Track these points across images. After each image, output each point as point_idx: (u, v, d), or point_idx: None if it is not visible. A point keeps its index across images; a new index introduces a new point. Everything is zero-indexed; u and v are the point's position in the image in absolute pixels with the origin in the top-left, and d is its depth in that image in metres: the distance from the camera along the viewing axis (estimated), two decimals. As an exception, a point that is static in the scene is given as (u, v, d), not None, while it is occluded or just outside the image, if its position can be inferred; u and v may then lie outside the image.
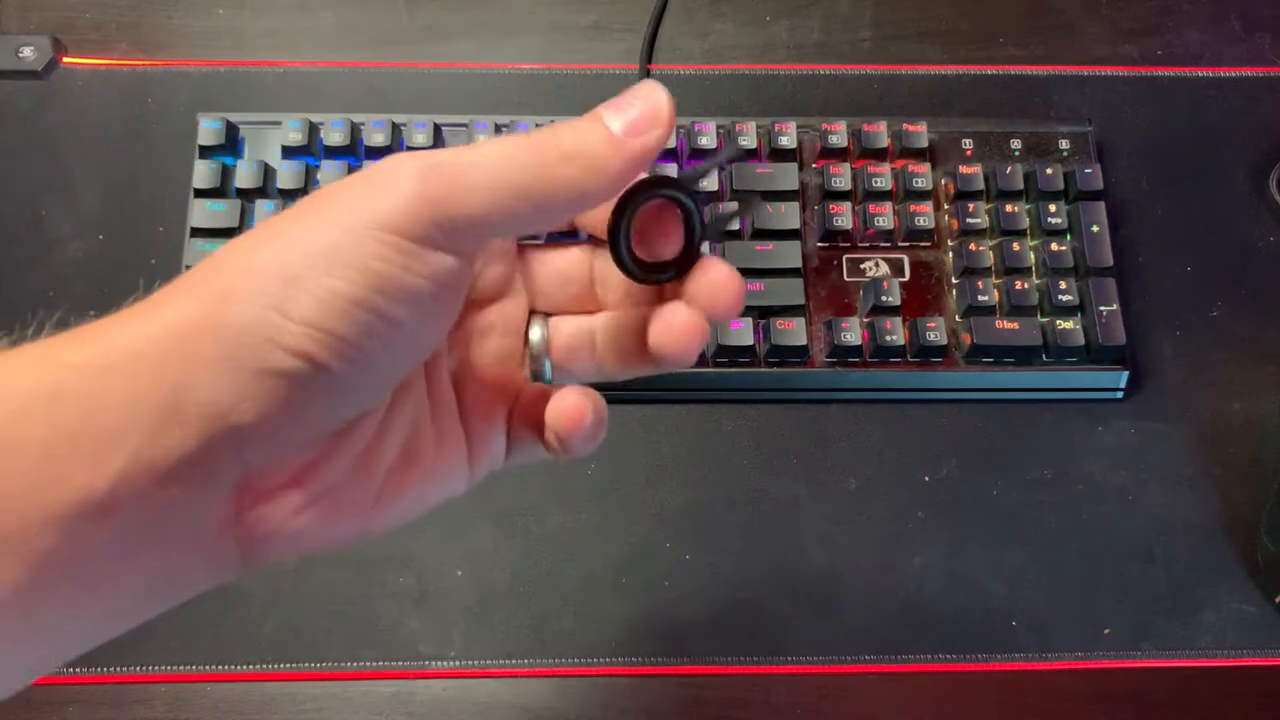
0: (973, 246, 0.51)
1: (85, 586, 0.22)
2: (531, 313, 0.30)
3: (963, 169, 0.53)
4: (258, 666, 0.46)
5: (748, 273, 0.51)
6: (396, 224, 0.23)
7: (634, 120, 0.25)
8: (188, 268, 0.50)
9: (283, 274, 0.23)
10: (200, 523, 0.24)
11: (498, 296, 0.29)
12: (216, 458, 0.23)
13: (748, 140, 0.53)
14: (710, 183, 0.52)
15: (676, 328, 0.27)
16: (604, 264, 0.29)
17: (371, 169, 0.24)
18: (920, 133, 0.54)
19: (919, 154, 0.54)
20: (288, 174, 0.52)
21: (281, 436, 0.24)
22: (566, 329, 0.30)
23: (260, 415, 0.23)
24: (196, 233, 0.51)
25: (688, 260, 0.27)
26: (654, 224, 0.27)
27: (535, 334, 0.29)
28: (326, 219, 0.24)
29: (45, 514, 0.21)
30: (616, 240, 0.27)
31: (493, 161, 0.24)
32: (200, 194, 0.52)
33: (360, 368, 0.24)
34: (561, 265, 0.30)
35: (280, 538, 0.25)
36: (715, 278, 0.27)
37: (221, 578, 0.25)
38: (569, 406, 0.28)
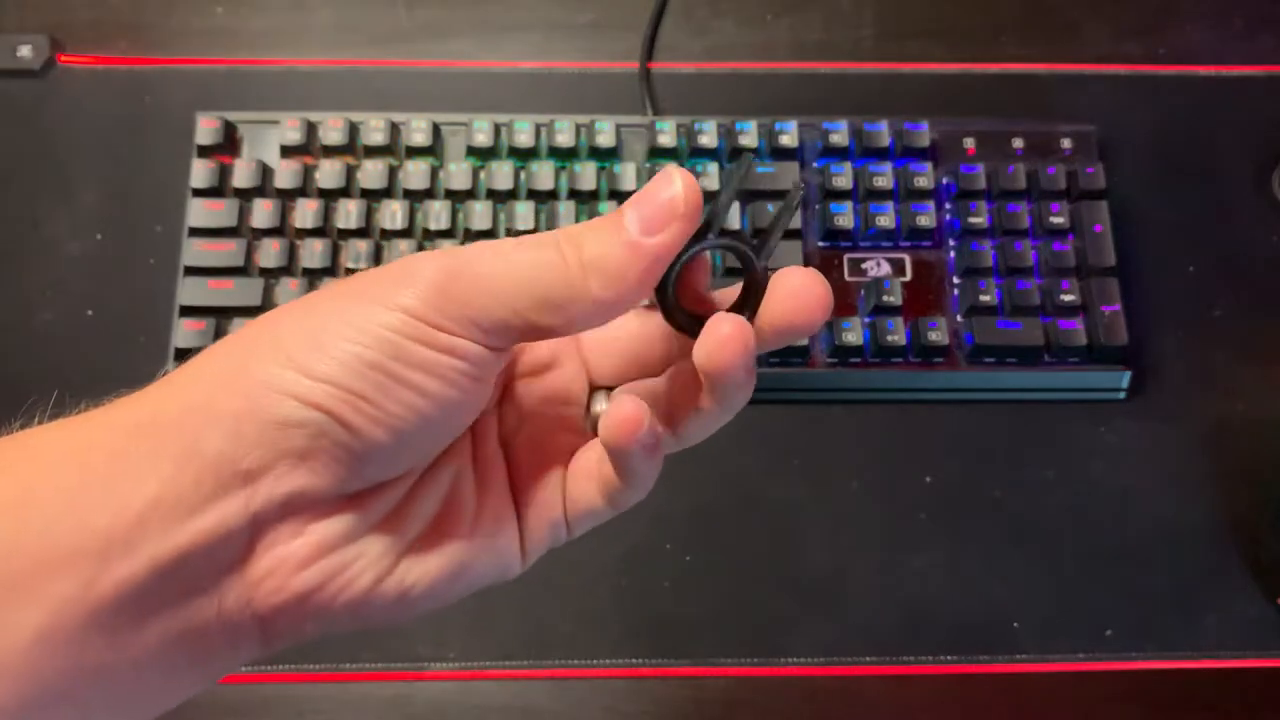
0: (974, 246, 0.51)
1: (107, 640, 0.22)
2: (593, 388, 0.29)
3: (964, 168, 0.53)
4: (255, 668, 0.46)
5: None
6: (416, 310, 0.24)
7: (649, 217, 0.24)
8: (186, 268, 0.50)
9: (305, 339, 0.24)
10: (216, 580, 0.24)
11: (550, 366, 0.28)
12: (228, 507, 0.23)
13: (748, 139, 0.53)
14: (711, 181, 0.52)
15: (717, 338, 0.24)
16: (657, 322, 0.27)
17: (399, 262, 0.25)
18: (922, 131, 0.53)
19: (920, 153, 0.54)
20: (286, 173, 0.52)
21: (296, 489, 0.24)
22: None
23: (270, 464, 0.23)
24: (194, 232, 0.51)
25: (751, 295, 0.26)
26: (697, 272, 0.26)
27: (598, 406, 0.28)
28: (351, 298, 0.24)
29: (64, 555, 0.22)
30: (666, 303, 0.26)
31: (516, 271, 0.24)
32: (198, 193, 0.52)
33: (382, 429, 0.24)
34: (614, 330, 0.28)
35: (295, 602, 0.25)
36: (792, 284, 0.25)
37: (243, 654, 0.25)
38: (625, 413, 0.26)
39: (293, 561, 0.24)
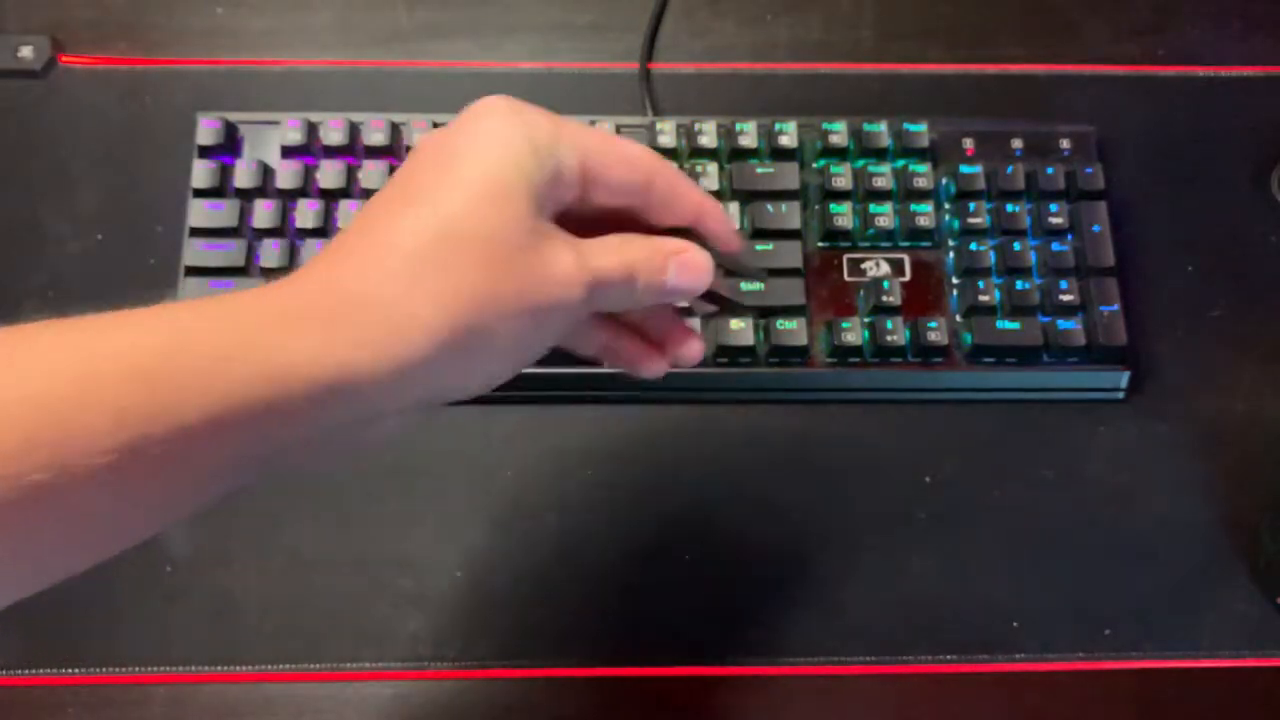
0: (974, 246, 0.51)
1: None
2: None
3: (963, 168, 0.53)
4: (257, 667, 0.46)
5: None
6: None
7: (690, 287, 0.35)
8: (187, 268, 0.50)
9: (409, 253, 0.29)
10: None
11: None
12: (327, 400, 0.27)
13: (748, 139, 0.53)
14: (710, 182, 0.52)
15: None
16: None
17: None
18: (921, 132, 0.54)
19: (920, 153, 0.54)
20: (287, 174, 0.52)
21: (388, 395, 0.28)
22: None
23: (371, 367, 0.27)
24: (195, 232, 0.51)
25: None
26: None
27: None
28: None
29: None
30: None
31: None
32: (199, 194, 0.52)
33: (466, 356, 0.29)
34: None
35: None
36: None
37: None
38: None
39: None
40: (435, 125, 0.53)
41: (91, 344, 0.25)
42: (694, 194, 0.35)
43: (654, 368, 0.38)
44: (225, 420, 0.26)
